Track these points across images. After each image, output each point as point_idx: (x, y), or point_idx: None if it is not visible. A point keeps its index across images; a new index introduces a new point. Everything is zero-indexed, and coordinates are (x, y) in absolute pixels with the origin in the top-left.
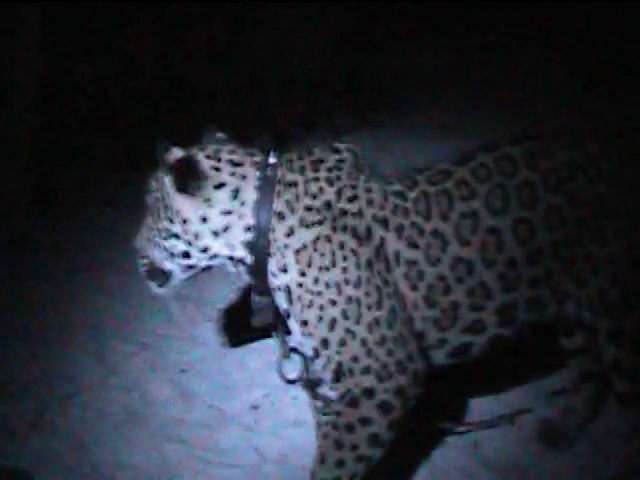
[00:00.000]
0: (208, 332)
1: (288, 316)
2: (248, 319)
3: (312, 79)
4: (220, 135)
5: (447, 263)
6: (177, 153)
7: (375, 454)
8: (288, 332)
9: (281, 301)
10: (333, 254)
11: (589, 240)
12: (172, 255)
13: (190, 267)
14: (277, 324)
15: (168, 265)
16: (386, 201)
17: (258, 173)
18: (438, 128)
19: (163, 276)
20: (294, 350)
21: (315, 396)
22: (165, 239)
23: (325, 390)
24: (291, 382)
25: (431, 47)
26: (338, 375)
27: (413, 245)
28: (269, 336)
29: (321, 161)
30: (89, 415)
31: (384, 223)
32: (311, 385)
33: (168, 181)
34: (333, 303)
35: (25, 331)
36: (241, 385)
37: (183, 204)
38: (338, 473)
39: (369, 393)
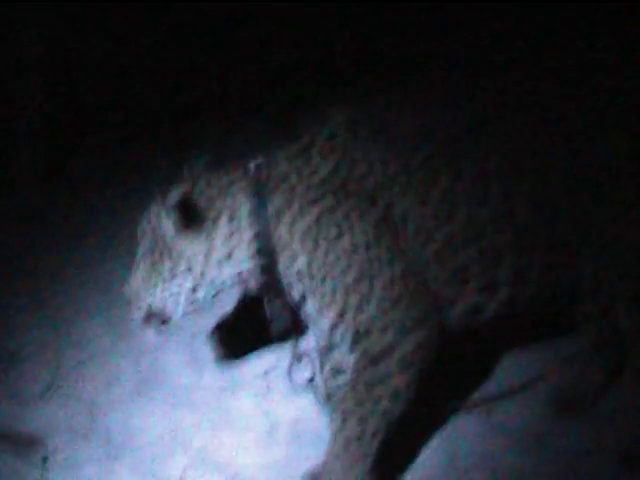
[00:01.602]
0: (218, 300)
1: (305, 299)
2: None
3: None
4: (201, 162)
5: (458, 223)
6: (175, 195)
7: (396, 410)
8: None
9: (296, 290)
10: (339, 224)
11: (608, 203)
12: (177, 295)
13: (196, 300)
14: (293, 329)
15: (170, 307)
16: (389, 163)
17: (245, 183)
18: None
19: (162, 318)
20: (305, 354)
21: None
22: (170, 280)
23: (340, 357)
24: (301, 386)
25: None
26: (357, 338)
27: (421, 205)
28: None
29: (311, 141)
30: (101, 381)
31: (389, 185)
32: (319, 390)
33: (169, 225)
34: (345, 271)
35: (36, 298)
36: (253, 351)
37: (186, 245)
38: (360, 430)
39: (388, 350)
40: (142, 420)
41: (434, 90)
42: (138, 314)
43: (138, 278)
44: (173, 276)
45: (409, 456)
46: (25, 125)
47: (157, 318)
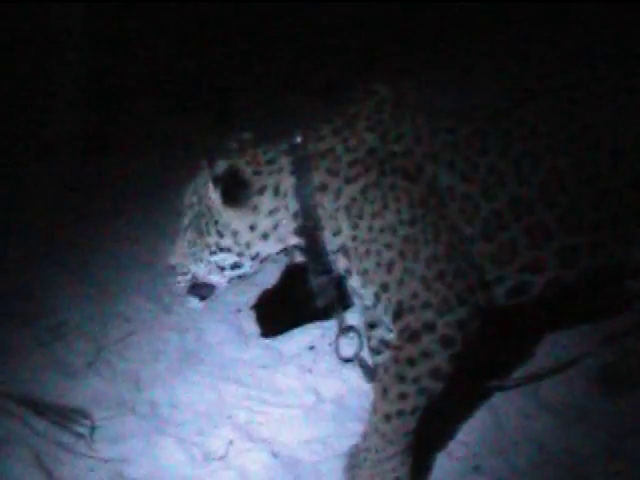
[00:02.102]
0: (263, 273)
1: (350, 274)
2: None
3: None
4: (247, 136)
5: (504, 200)
6: (222, 166)
7: (437, 387)
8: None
9: (340, 265)
10: (384, 197)
11: None
12: (221, 268)
13: (240, 276)
14: (338, 303)
15: (215, 279)
16: (436, 137)
17: (290, 158)
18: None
19: (206, 290)
20: (351, 328)
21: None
22: (214, 254)
23: (383, 332)
24: (347, 360)
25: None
26: (399, 313)
27: (467, 179)
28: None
29: (356, 113)
30: (145, 355)
31: (434, 158)
32: (365, 365)
33: (216, 196)
34: (389, 246)
35: (80, 271)
36: (298, 326)
37: (232, 217)
38: (401, 406)
39: (430, 327)
40: (187, 394)
41: (477, 68)
42: (183, 283)
43: (183, 248)
44: (219, 248)
45: (453, 433)
46: (65, 96)
47: (201, 288)
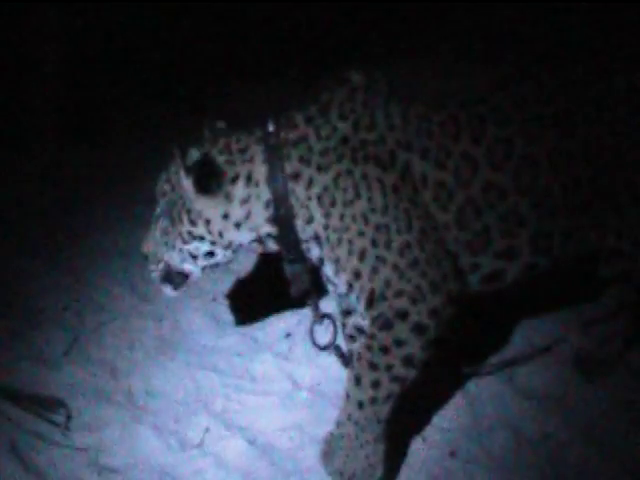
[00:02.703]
0: (239, 261)
1: (322, 262)
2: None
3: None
4: (220, 124)
5: (478, 187)
6: (194, 154)
7: (409, 374)
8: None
9: (313, 253)
10: (356, 186)
11: (630, 169)
12: (194, 257)
13: (214, 265)
14: (313, 290)
15: (188, 267)
16: (408, 124)
17: (262, 147)
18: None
19: (180, 278)
20: (326, 316)
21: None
22: (187, 242)
23: (357, 319)
24: (323, 348)
25: None
26: (372, 301)
27: (441, 167)
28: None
29: (329, 101)
30: (121, 343)
31: (408, 146)
32: (341, 353)
33: (189, 184)
34: (361, 234)
35: (57, 260)
36: (274, 313)
37: (205, 205)
38: (373, 394)
39: (403, 315)
40: (163, 382)
41: (453, 55)
42: (156, 272)
43: (156, 237)
44: (192, 237)
45: (428, 418)
46: (43, 85)
47: (175, 277)
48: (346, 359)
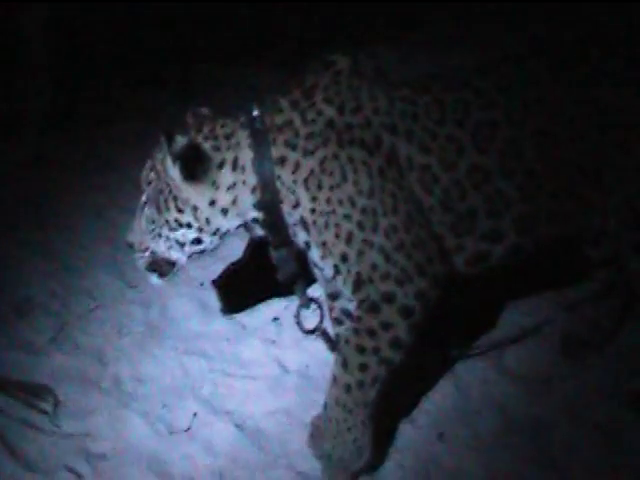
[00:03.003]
0: (227, 247)
1: (309, 246)
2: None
3: None
4: (204, 110)
5: (463, 169)
6: (180, 141)
7: (396, 357)
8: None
9: (300, 237)
10: (342, 169)
11: (614, 149)
12: (181, 244)
13: (200, 252)
14: (300, 275)
15: (175, 255)
16: (393, 107)
17: (247, 132)
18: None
19: (167, 267)
20: (313, 300)
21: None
22: (174, 230)
23: (344, 303)
24: (310, 332)
25: None
26: (358, 284)
27: (425, 149)
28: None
29: (314, 85)
30: (109, 330)
31: (393, 129)
32: (328, 337)
33: (175, 171)
34: (348, 217)
35: (44, 247)
36: (261, 298)
37: (192, 192)
38: (361, 377)
39: (389, 298)
40: (152, 368)
41: (437, 38)
42: (142, 260)
43: (142, 225)
44: (179, 224)
45: (416, 401)
46: (30, 72)
47: (161, 265)
48: (333, 343)
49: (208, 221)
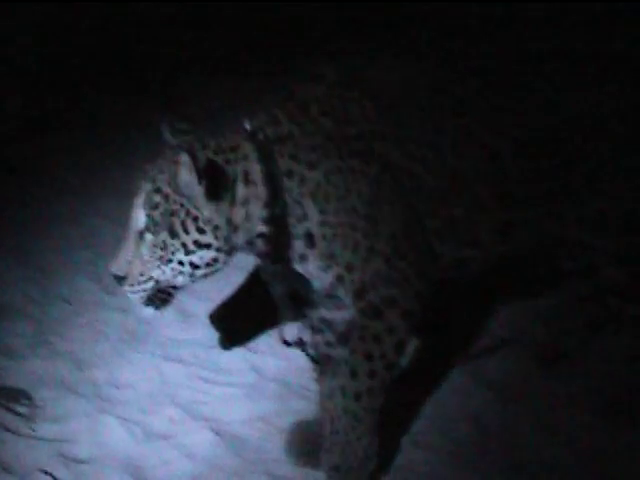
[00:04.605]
0: None
1: (304, 259)
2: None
3: None
4: (182, 125)
5: (445, 177)
6: (201, 159)
7: (400, 360)
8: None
9: (297, 250)
10: (346, 181)
11: (589, 160)
12: (196, 267)
13: (214, 273)
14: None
15: (182, 280)
16: (381, 116)
17: (252, 145)
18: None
19: (165, 296)
20: (301, 313)
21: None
22: (191, 253)
23: (323, 312)
24: (289, 345)
25: None
26: (361, 292)
27: (411, 157)
28: None
29: (307, 97)
30: (87, 336)
31: (383, 137)
32: (307, 351)
33: (200, 190)
34: (354, 227)
35: (22, 253)
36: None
37: (213, 211)
38: (371, 384)
39: (392, 302)
40: (130, 374)
41: (416, 47)
42: (139, 294)
43: (143, 254)
44: (198, 246)
45: (392, 410)
46: (9, 74)
47: (162, 294)
48: (314, 358)
49: (226, 240)
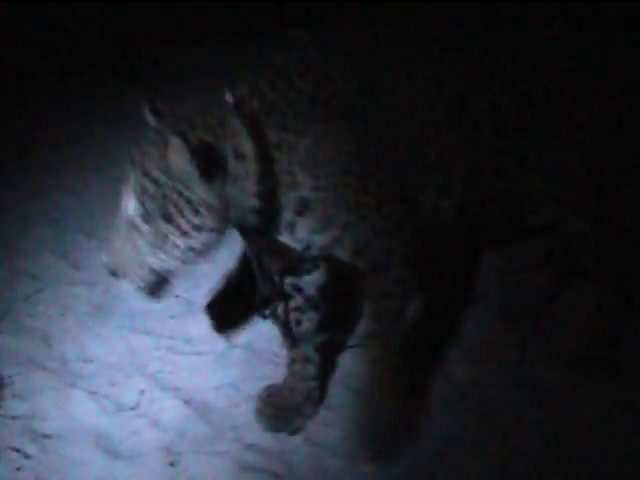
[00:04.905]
0: None
1: (292, 226)
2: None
3: None
4: (161, 105)
5: (418, 126)
6: (193, 139)
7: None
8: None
9: (285, 219)
10: (335, 143)
11: (555, 110)
12: (192, 250)
13: (208, 253)
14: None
15: (178, 265)
16: (357, 76)
17: (240, 119)
18: None
19: (164, 284)
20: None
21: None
22: (187, 235)
23: (295, 279)
24: (265, 317)
25: None
26: (362, 250)
27: (386, 109)
28: None
29: (285, 63)
30: (54, 311)
31: (360, 92)
32: (282, 322)
33: (191, 171)
34: (347, 186)
35: None
36: (207, 275)
37: (207, 191)
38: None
39: (393, 254)
40: (98, 347)
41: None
42: (143, 284)
43: (138, 244)
44: (194, 229)
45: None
46: None
47: (161, 282)
48: (285, 326)
49: (221, 218)
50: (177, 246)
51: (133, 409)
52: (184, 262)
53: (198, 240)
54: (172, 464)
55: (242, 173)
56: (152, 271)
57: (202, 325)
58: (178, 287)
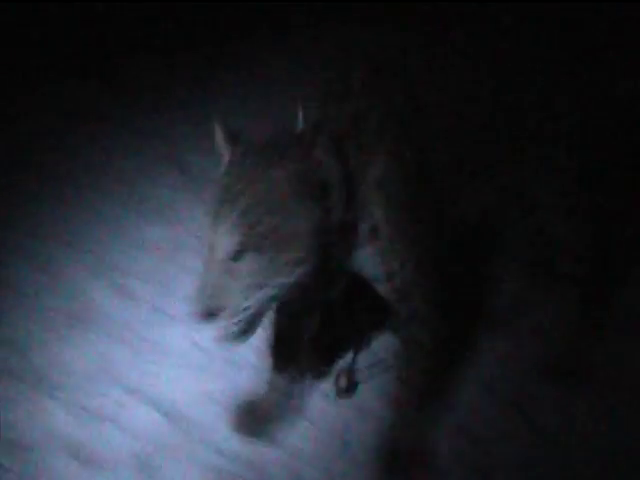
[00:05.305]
0: (151, 236)
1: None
2: None
3: None
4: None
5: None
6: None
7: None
8: None
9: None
10: (397, 171)
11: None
12: (290, 286)
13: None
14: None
15: (273, 303)
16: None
17: (325, 150)
18: None
19: (256, 323)
20: None
21: None
22: (289, 274)
23: None
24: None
25: None
26: (408, 293)
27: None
28: None
29: (343, 91)
30: (31, 322)
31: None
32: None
33: (301, 203)
34: (409, 221)
35: None
36: (185, 287)
37: (311, 223)
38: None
39: (428, 298)
40: (75, 357)
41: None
42: (235, 327)
43: (238, 282)
44: (299, 264)
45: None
46: None
47: (257, 322)
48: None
49: (317, 252)
50: (280, 283)
51: (109, 420)
52: (278, 299)
53: (298, 276)
54: (148, 474)
55: (332, 205)
56: (252, 311)
57: (181, 337)
58: (156, 299)
